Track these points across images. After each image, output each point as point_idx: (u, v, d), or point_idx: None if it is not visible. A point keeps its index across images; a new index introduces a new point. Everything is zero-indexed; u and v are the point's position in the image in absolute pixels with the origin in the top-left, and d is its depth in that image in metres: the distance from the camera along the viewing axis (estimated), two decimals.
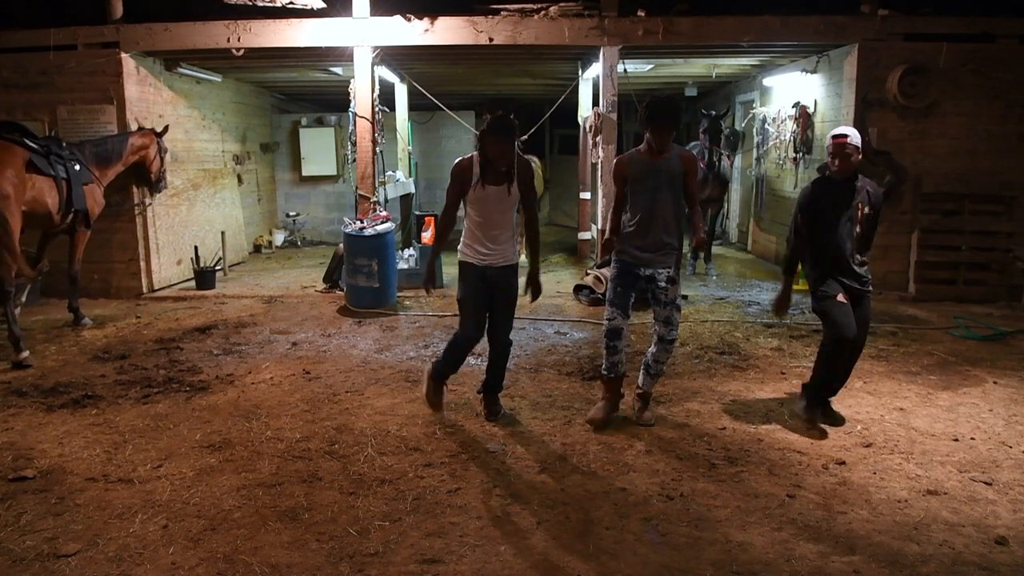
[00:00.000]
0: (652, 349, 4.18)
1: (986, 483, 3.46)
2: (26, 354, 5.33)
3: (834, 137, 3.92)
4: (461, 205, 4.10)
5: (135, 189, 7.62)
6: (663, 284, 4.04)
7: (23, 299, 6.58)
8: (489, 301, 4.09)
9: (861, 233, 3.99)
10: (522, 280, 4.15)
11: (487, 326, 4.15)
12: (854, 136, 3.90)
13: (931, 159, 7.43)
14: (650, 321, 4.25)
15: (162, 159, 7.31)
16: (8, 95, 7.49)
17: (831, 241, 3.97)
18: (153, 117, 7.98)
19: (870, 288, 4.09)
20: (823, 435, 4.00)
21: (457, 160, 4.08)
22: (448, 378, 4.24)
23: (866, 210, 3.98)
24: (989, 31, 7.31)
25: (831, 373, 4.07)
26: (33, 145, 5.83)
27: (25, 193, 5.63)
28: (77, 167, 6.19)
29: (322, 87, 11.08)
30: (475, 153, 4.02)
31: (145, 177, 7.30)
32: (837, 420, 4.16)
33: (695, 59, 8.92)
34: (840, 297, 3.95)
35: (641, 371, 4.27)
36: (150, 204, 7.79)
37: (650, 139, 3.98)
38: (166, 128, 7.40)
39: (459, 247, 4.12)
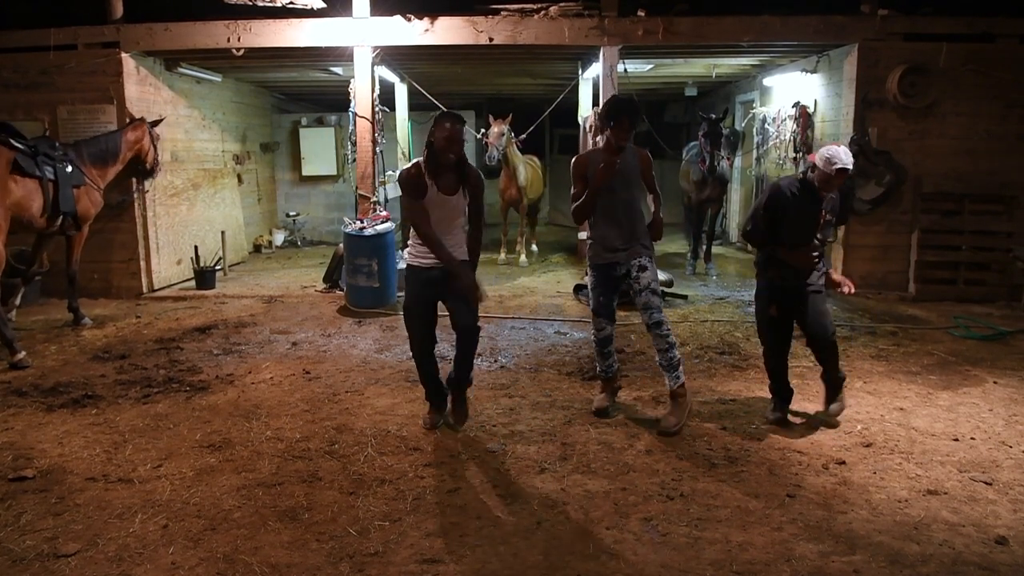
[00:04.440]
0: (653, 342, 4.20)
1: (986, 483, 3.46)
2: (22, 355, 5.30)
3: (839, 171, 3.82)
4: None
5: (133, 186, 7.60)
6: (636, 274, 4.13)
7: (18, 301, 6.57)
8: (436, 302, 4.00)
9: (817, 235, 4.06)
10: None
11: (450, 317, 4.02)
12: (852, 164, 3.92)
13: (931, 159, 7.43)
14: (638, 322, 4.26)
15: (155, 147, 7.20)
16: (8, 95, 7.49)
17: (791, 243, 4.01)
18: (153, 117, 7.97)
19: (821, 285, 4.10)
20: (787, 426, 4.13)
21: (401, 171, 3.93)
22: (442, 398, 4.21)
23: (827, 216, 4.05)
24: (989, 31, 7.31)
25: (773, 370, 4.25)
26: (19, 145, 5.71)
27: (9, 194, 5.52)
28: (68, 168, 6.09)
29: (322, 87, 11.08)
30: (419, 160, 3.89)
31: (141, 168, 7.18)
32: (832, 415, 4.17)
33: (695, 59, 8.92)
34: (772, 310, 4.13)
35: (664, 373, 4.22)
36: (148, 191, 7.69)
37: (610, 136, 4.05)
38: (159, 120, 7.31)
39: (405, 251, 4.07)
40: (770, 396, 4.33)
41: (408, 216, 4.00)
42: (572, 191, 4.24)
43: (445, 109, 9.29)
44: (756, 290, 4.32)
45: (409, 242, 4.05)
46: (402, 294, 7.30)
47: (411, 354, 4.16)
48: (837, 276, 4.18)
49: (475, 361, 5.24)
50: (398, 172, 3.97)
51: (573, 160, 4.26)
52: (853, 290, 4.14)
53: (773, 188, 4.09)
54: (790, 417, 4.27)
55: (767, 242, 4.09)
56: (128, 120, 7.22)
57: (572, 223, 11.59)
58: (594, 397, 4.48)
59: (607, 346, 4.31)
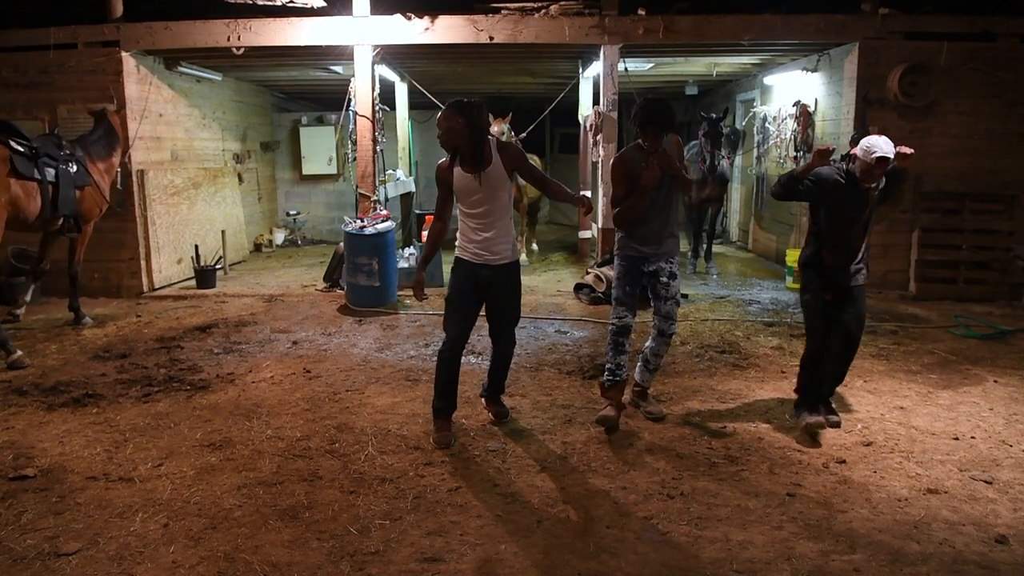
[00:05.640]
0: (650, 344, 4.23)
1: (986, 482, 3.47)
2: (17, 355, 5.26)
3: (879, 159, 3.73)
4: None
5: (134, 191, 7.59)
6: (664, 279, 4.09)
7: (28, 298, 6.56)
8: (480, 302, 3.93)
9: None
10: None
11: (489, 328, 4.08)
12: (892, 153, 3.76)
13: (932, 158, 7.42)
14: (650, 320, 4.27)
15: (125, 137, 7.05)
16: (8, 94, 7.49)
17: (843, 236, 3.98)
18: (153, 116, 7.99)
19: (862, 281, 4.08)
20: (815, 443, 3.92)
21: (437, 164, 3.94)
22: (452, 412, 3.98)
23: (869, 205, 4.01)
24: (990, 30, 7.31)
25: (816, 376, 4.08)
26: (18, 147, 5.59)
27: (7, 193, 5.43)
28: (73, 168, 6.00)
29: (322, 86, 11.08)
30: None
31: None
32: (833, 422, 4.12)
33: (696, 58, 8.91)
34: (828, 296, 4.01)
35: (639, 366, 4.32)
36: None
37: (641, 140, 4.03)
38: (122, 108, 7.20)
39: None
40: (801, 397, 4.11)
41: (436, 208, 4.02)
42: (612, 194, 4.15)
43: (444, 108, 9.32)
44: (802, 286, 4.17)
45: (458, 235, 3.97)
46: (402, 293, 7.39)
47: (438, 351, 3.91)
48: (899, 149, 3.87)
49: (475, 360, 5.27)
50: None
51: (612, 161, 4.18)
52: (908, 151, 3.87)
53: (819, 175, 3.95)
54: (788, 417, 4.26)
55: (815, 242, 4.03)
56: (101, 107, 6.90)
57: (572, 222, 11.63)
58: (598, 400, 4.32)
59: (624, 337, 4.09)
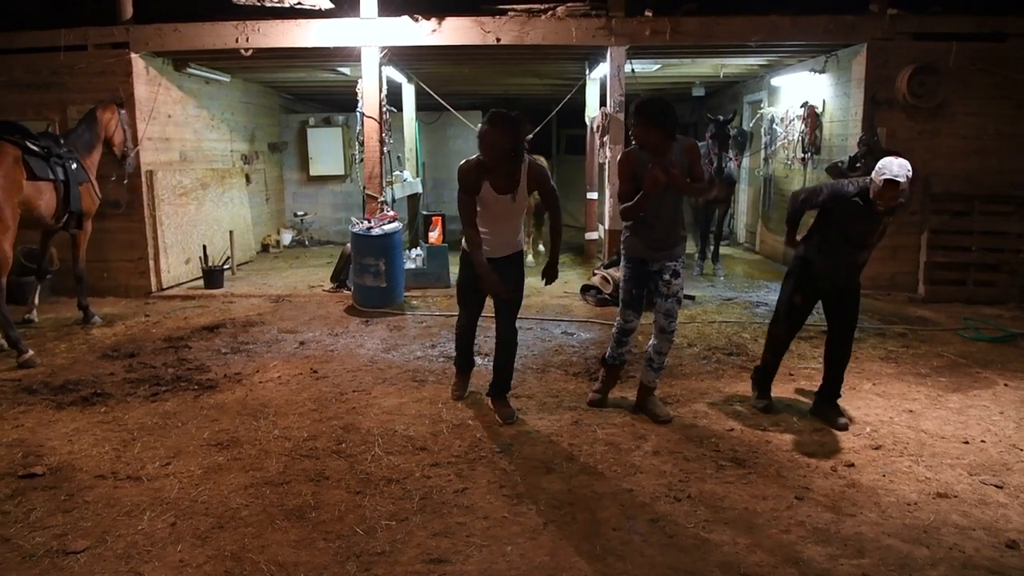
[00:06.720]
0: (653, 342, 4.25)
1: (997, 486, 3.44)
2: (29, 354, 5.30)
3: (886, 182, 3.65)
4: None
5: (143, 191, 7.62)
6: (667, 277, 4.10)
7: (36, 300, 6.60)
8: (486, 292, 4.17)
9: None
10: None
11: (495, 316, 4.24)
12: (905, 178, 3.67)
13: (940, 159, 7.39)
14: (645, 322, 4.29)
15: (124, 131, 6.89)
16: (19, 95, 7.54)
17: (848, 250, 4.01)
18: (162, 117, 8.03)
19: (856, 284, 4.16)
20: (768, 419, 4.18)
21: (461, 163, 3.99)
22: (470, 368, 4.63)
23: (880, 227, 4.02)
24: (999, 30, 7.27)
25: (770, 356, 4.41)
26: (33, 147, 5.66)
27: (17, 193, 5.48)
28: (74, 166, 6.10)
29: (330, 87, 11.11)
30: (477, 155, 3.96)
31: (111, 154, 6.84)
32: (839, 424, 4.11)
33: (703, 59, 8.90)
34: (796, 299, 4.21)
35: (644, 366, 4.33)
36: (126, 182, 7.26)
37: (634, 140, 4.02)
38: (123, 101, 7.12)
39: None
40: (753, 384, 4.51)
41: (459, 209, 4.07)
42: (618, 189, 4.15)
43: (452, 109, 9.33)
44: (788, 270, 4.32)
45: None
46: (408, 294, 7.41)
47: (453, 329, 4.42)
48: None
49: (482, 361, 5.26)
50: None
51: (620, 156, 4.17)
52: None
53: (835, 192, 3.94)
54: (795, 420, 4.25)
55: (817, 246, 4.09)
56: (99, 102, 6.82)
57: (578, 224, 11.62)
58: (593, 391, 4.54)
59: (626, 336, 4.33)
